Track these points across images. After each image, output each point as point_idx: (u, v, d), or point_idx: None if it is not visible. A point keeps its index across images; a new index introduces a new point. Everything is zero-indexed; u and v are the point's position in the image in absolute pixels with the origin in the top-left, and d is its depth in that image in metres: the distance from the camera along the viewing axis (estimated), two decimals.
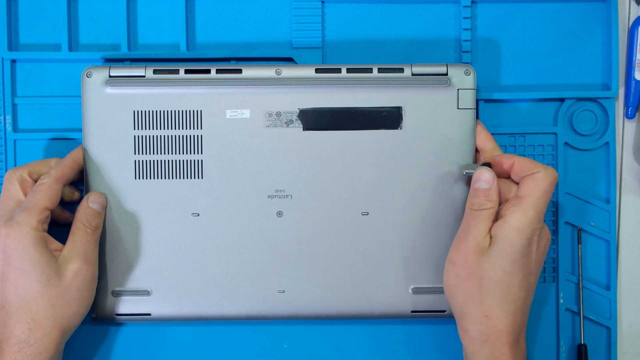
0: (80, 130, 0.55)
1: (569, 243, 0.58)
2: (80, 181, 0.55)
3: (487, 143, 0.54)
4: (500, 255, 0.48)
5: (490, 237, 0.49)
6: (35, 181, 0.51)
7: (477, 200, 0.50)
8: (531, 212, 0.48)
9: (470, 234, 0.49)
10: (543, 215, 0.49)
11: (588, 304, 0.58)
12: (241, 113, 0.53)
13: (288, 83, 0.53)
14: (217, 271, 0.54)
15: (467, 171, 0.53)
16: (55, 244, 0.50)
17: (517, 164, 0.50)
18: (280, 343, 0.57)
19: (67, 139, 0.56)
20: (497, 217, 0.50)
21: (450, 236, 0.54)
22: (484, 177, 0.50)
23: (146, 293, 0.54)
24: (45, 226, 0.49)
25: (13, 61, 0.56)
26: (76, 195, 0.55)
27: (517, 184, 0.51)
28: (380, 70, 0.53)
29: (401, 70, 0.54)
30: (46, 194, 0.49)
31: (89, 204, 0.52)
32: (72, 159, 0.52)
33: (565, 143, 0.57)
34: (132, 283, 0.54)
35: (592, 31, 0.58)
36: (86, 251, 0.50)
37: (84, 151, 0.53)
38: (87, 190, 0.53)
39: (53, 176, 0.50)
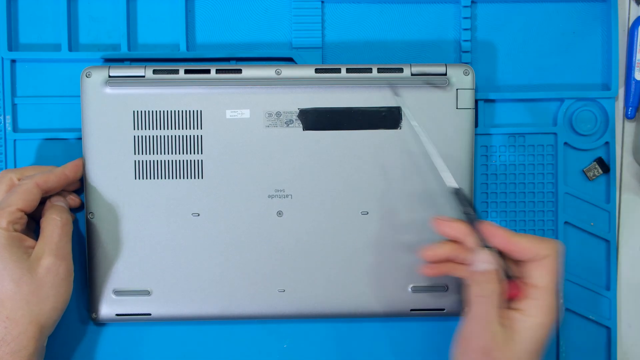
0: (79, 130, 0.55)
1: (569, 243, 0.58)
2: (81, 189, 0.55)
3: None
4: (524, 352, 0.45)
5: (504, 329, 0.46)
6: None
7: (484, 286, 0.46)
8: (551, 302, 0.45)
9: (485, 326, 0.45)
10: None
11: (588, 304, 0.58)
12: (241, 113, 0.53)
13: (288, 83, 0.53)
14: (217, 271, 0.54)
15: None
16: (30, 241, 0.49)
17: (519, 245, 0.46)
18: (281, 342, 0.57)
19: (66, 139, 0.56)
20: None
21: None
22: (485, 258, 0.47)
23: (146, 293, 0.54)
24: (18, 227, 0.49)
25: (13, 61, 0.56)
26: (76, 201, 0.55)
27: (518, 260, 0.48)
28: (379, 70, 0.53)
29: (400, 70, 0.54)
30: (22, 196, 0.49)
31: (54, 203, 0.52)
32: (63, 170, 0.52)
33: (565, 143, 0.57)
34: (132, 283, 0.54)
35: (592, 31, 0.58)
36: (58, 246, 0.49)
37: (84, 151, 0.53)
38: (87, 191, 0.53)
39: (34, 180, 0.50)
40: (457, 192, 0.50)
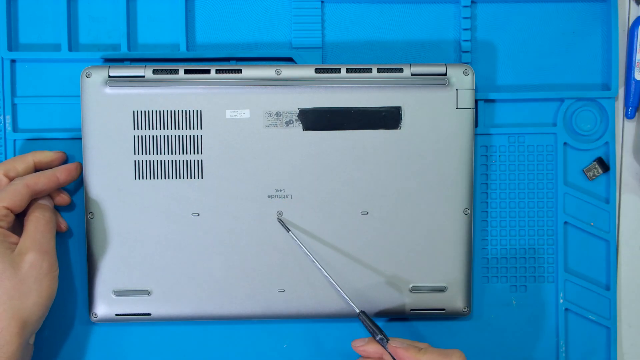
0: (80, 130, 0.55)
1: (569, 244, 0.58)
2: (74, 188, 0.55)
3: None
4: None
5: None
6: (11, 180, 0.52)
7: None
8: None
9: None
10: None
11: (588, 304, 0.58)
12: (241, 113, 0.53)
13: (288, 83, 0.53)
14: (218, 271, 0.54)
15: None
16: (14, 238, 0.50)
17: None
18: (280, 342, 0.57)
19: (66, 139, 0.56)
20: None
21: (449, 235, 0.54)
22: None
23: (146, 293, 0.54)
24: (4, 224, 0.49)
25: (13, 61, 0.56)
26: (65, 199, 0.55)
27: None
28: (379, 70, 0.53)
29: (400, 70, 0.54)
30: (10, 195, 0.49)
31: (39, 202, 0.52)
32: (55, 173, 0.52)
33: (565, 143, 0.57)
34: (132, 283, 0.54)
35: (592, 31, 0.58)
36: (41, 241, 0.50)
37: (84, 150, 0.53)
38: (87, 191, 0.53)
39: (25, 181, 0.50)
40: (361, 315, 0.51)
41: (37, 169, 0.53)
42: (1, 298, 0.47)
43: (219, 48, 0.57)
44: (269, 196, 0.54)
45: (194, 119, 0.53)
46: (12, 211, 0.50)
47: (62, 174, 0.53)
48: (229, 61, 0.57)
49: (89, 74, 0.53)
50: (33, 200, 0.52)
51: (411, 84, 0.53)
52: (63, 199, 0.54)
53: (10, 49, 0.56)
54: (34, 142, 0.56)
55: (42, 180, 0.51)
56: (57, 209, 0.55)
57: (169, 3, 0.57)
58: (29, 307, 0.48)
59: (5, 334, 0.47)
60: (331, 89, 0.53)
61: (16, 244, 0.49)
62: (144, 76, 0.53)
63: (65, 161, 0.55)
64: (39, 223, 0.50)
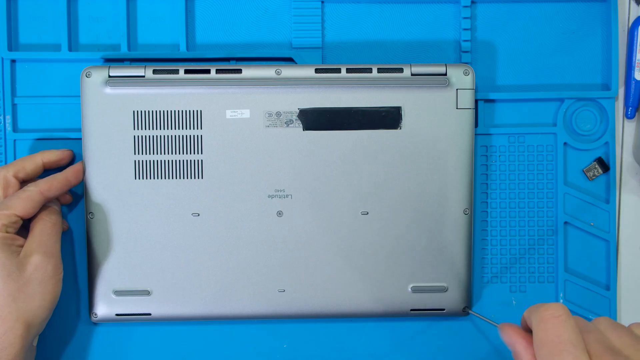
0: (80, 130, 0.55)
1: (569, 244, 0.58)
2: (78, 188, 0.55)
3: None
4: None
5: None
6: (20, 181, 0.52)
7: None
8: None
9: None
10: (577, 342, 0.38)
11: (588, 304, 0.58)
12: (241, 113, 0.53)
13: (288, 83, 0.53)
14: (218, 271, 0.54)
15: None
16: (20, 240, 0.50)
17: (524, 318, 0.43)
18: (281, 342, 0.57)
19: (66, 139, 0.56)
20: None
21: (449, 235, 0.54)
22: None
23: (146, 293, 0.54)
24: (11, 229, 0.49)
25: (13, 61, 0.56)
26: (67, 198, 0.55)
27: None
28: (379, 71, 0.53)
29: (400, 70, 0.54)
30: (23, 202, 0.49)
31: (47, 204, 0.52)
32: (66, 176, 0.52)
33: (565, 143, 0.57)
34: (132, 283, 0.54)
35: (592, 31, 0.58)
36: (47, 244, 0.50)
37: (84, 150, 0.53)
38: (87, 191, 0.53)
39: (39, 188, 0.50)
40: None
41: (46, 168, 0.53)
42: (6, 300, 0.47)
43: (219, 48, 0.57)
44: (269, 196, 0.54)
45: (194, 119, 0.53)
46: (22, 218, 0.50)
47: (72, 176, 0.53)
48: (229, 61, 0.57)
49: (89, 74, 0.53)
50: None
51: (411, 84, 0.53)
52: (66, 198, 0.55)
53: (10, 49, 0.56)
54: (34, 143, 0.56)
55: (55, 185, 0.51)
56: None
57: (169, 3, 0.57)
58: (34, 309, 0.49)
59: (10, 335, 0.47)
60: (331, 89, 0.53)
61: (21, 246, 0.50)
62: (144, 76, 0.53)
63: (73, 159, 0.55)
64: (45, 226, 0.51)
